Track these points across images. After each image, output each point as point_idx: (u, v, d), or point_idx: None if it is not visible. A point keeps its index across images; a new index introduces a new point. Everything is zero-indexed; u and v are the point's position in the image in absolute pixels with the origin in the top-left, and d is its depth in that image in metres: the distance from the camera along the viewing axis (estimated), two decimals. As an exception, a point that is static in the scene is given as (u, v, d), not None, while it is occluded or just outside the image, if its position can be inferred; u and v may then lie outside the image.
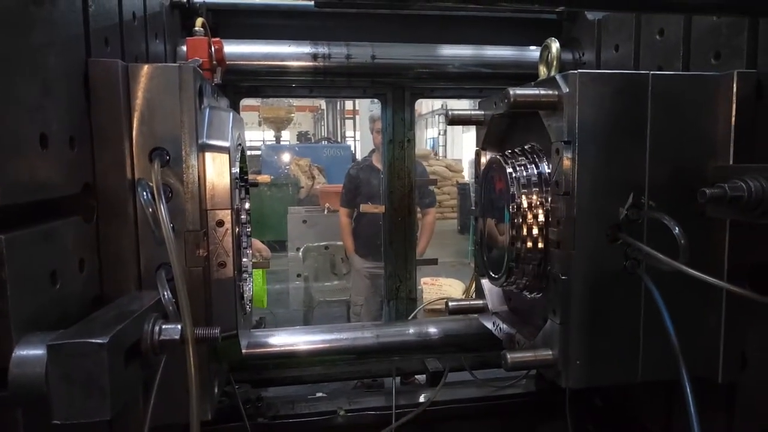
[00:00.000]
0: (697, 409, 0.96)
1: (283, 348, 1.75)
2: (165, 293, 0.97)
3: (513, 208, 1.25)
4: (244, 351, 1.32)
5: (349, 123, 18.89)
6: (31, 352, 0.72)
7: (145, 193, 0.98)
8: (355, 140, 16.99)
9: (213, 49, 1.53)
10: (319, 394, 1.94)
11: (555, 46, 1.34)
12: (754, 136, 1.16)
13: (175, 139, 1.05)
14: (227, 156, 1.13)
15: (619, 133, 1.15)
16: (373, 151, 4.61)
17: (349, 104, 17.64)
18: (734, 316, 1.18)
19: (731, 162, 1.15)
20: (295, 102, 15.63)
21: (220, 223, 1.13)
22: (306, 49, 1.87)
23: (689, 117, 1.18)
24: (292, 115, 15.93)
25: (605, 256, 1.14)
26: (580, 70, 1.13)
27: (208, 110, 1.17)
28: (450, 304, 1.64)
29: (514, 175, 1.28)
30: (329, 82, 2.04)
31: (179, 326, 0.90)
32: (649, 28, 1.51)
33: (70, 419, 0.71)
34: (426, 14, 2.06)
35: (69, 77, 0.93)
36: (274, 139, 16.30)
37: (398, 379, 2.12)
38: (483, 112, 1.51)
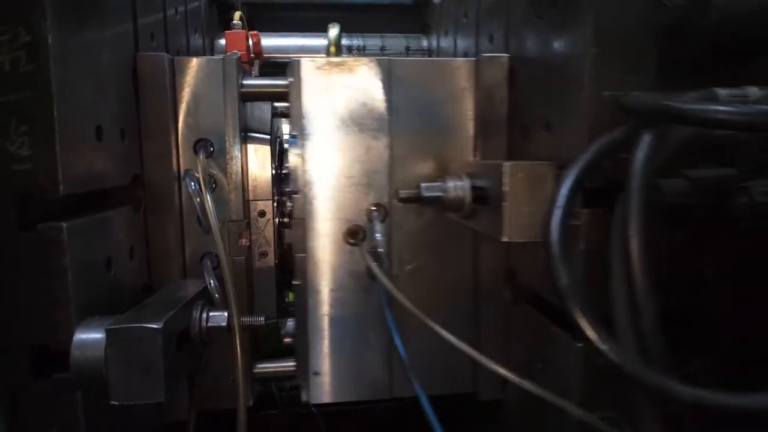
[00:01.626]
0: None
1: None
2: (211, 281, 0.99)
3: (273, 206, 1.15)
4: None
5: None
6: (90, 336, 0.74)
7: (193, 184, 1.00)
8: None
9: (251, 42, 1.55)
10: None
11: (332, 31, 1.23)
12: (509, 127, 1.03)
13: (219, 130, 1.07)
14: (269, 148, 1.14)
15: (356, 127, 1.03)
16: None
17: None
18: (494, 330, 1.10)
19: (481, 157, 1.03)
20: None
21: (262, 214, 1.15)
22: (341, 41, 1.88)
23: (437, 108, 1.05)
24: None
25: (344, 261, 1.03)
26: (303, 57, 1.01)
27: (249, 102, 1.19)
28: None
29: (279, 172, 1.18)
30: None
31: (226, 314, 0.93)
32: (460, 11, 1.37)
33: (127, 401, 0.73)
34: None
35: (120, 71, 0.96)
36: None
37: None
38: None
